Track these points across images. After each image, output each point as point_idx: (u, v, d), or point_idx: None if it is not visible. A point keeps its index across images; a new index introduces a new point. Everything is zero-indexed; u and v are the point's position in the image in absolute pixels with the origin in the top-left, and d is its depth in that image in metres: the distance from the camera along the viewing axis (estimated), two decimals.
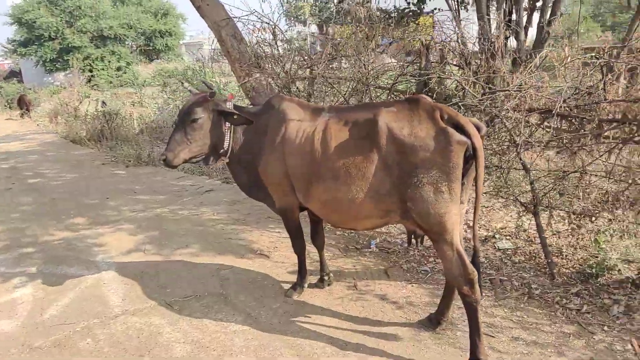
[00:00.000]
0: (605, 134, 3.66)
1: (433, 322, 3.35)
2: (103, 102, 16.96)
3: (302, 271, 3.99)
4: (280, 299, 3.94)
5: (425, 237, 3.22)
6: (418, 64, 4.68)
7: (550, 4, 6.32)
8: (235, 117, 3.67)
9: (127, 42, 30.86)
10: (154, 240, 5.40)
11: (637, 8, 5.98)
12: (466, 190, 2.98)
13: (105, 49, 28.65)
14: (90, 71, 27.79)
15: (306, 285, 4.01)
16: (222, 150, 3.88)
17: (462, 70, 4.50)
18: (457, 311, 3.49)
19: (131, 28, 30.09)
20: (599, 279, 3.73)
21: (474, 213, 2.90)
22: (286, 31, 6.99)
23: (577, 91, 3.72)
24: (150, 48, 32.81)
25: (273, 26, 6.28)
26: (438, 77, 4.41)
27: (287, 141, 3.48)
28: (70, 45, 27.58)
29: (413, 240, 3.31)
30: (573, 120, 3.79)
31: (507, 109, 3.96)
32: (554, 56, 3.84)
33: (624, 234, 3.81)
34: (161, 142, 11.78)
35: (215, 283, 4.28)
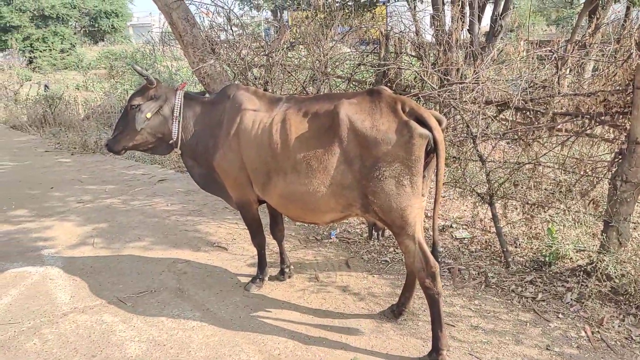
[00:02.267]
0: (559, 127, 3.76)
1: (395, 313, 3.37)
2: (45, 86, 16.08)
3: (261, 264, 3.91)
4: (239, 293, 3.84)
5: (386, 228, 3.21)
6: (377, 54, 4.65)
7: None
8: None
9: (70, 23, 29.30)
10: (103, 233, 5.15)
11: (584, 4, 6.21)
12: (427, 183, 2.98)
13: (47, 30, 27.11)
14: (32, 52, 26.24)
15: (266, 278, 3.94)
16: (171, 141, 3.74)
17: (421, 61, 4.50)
18: (417, 302, 3.52)
19: (75, 8, 28.58)
20: (552, 267, 3.86)
21: (434, 205, 2.90)
22: (241, 16, 6.76)
23: (532, 84, 3.80)
24: (96, 29, 31.35)
25: (228, 10, 6.08)
26: (397, 68, 4.39)
27: (242, 133, 3.36)
28: (8, 25, 25.92)
29: (374, 232, 3.29)
30: (528, 114, 3.87)
31: (465, 101, 4.01)
32: (510, 50, 3.90)
33: (575, 224, 3.95)
34: (109, 129, 11.26)
35: (171, 277, 4.13)
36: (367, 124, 2.83)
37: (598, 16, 5.61)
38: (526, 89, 3.81)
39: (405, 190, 2.78)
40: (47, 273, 4.27)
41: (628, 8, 8.28)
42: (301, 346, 3.12)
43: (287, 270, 4.01)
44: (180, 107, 3.72)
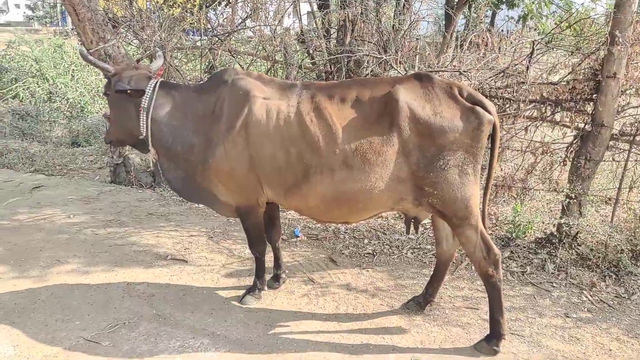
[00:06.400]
0: (526, 113, 4.08)
1: (421, 304, 3.27)
2: None
3: (259, 273, 3.43)
4: (237, 309, 3.32)
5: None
6: (339, 40, 4.46)
7: None
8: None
9: None
10: (1, 260, 3.96)
11: None
12: None
13: None
14: None
15: (265, 288, 3.47)
16: (141, 137, 3.10)
17: (385, 49, 4.45)
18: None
19: None
20: (517, 242, 4.19)
21: (485, 194, 2.89)
22: None
23: (503, 73, 4.05)
24: None
25: None
26: (366, 55, 4.27)
27: (253, 126, 2.89)
28: None
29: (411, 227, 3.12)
30: (497, 101, 4.12)
31: None
32: (483, 39, 4.09)
33: (533, 199, 4.36)
34: None
35: (138, 304, 3.37)
36: (428, 111, 2.66)
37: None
38: (496, 76, 4.05)
39: (469, 179, 2.70)
40: None
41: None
42: (351, 357, 2.83)
43: (283, 275, 3.60)
44: (149, 97, 3.05)
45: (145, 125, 3.07)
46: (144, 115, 3.06)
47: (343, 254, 4.17)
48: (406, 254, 4.13)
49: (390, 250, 4.20)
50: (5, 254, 4.06)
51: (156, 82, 3.12)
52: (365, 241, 4.37)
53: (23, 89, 10.02)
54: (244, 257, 4.07)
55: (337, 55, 4.42)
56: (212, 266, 3.93)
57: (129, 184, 6.00)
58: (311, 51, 4.65)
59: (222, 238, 4.47)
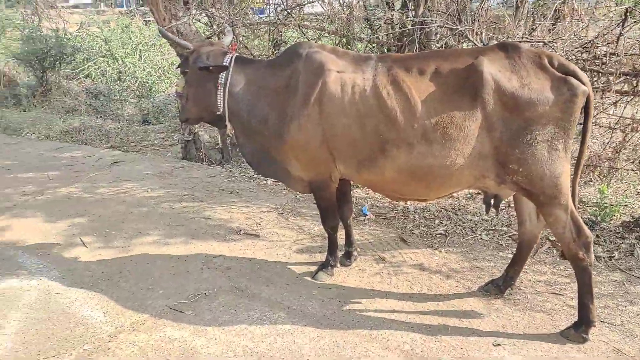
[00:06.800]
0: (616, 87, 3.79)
1: (501, 287, 3.15)
2: None
3: (332, 249, 3.44)
4: (311, 284, 3.35)
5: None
6: (409, 12, 4.30)
7: None
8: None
9: None
10: (89, 230, 4.20)
11: None
12: None
13: None
14: None
15: (338, 264, 3.48)
16: (218, 113, 3.13)
17: (460, 19, 4.25)
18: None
19: None
20: (602, 225, 3.94)
21: (576, 171, 2.72)
22: None
23: (591, 43, 3.77)
24: None
25: None
26: (440, 27, 4.09)
27: (328, 100, 2.85)
28: None
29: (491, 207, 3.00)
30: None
31: None
32: (568, 7, 3.82)
33: (621, 180, 4.08)
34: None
35: (217, 275, 3.47)
36: (515, 82, 2.52)
37: None
38: (582, 46, 3.77)
39: (559, 155, 2.55)
40: (46, 286, 3.33)
41: None
42: (429, 338, 2.78)
43: (354, 253, 3.59)
44: (227, 73, 3.07)
45: (222, 101, 3.11)
46: (222, 90, 3.10)
47: (413, 233, 4.10)
48: (480, 235, 4.00)
49: (463, 231, 4.08)
50: (91, 225, 4.31)
51: (232, 57, 3.14)
52: (437, 221, 4.27)
53: (94, 69, 10.51)
54: (314, 234, 4.10)
55: (409, 28, 4.27)
56: (284, 242, 3.98)
57: (199, 161, 6.18)
58: (382, 24, 4.52)
59: (292, 215, 4.52)
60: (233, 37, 3.66)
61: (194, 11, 5.33)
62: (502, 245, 3.84)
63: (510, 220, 4.17)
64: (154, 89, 9.83)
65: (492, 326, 2.87)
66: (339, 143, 2.89)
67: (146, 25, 13.16)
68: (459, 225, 4.17)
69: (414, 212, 4.46)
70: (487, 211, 2.99)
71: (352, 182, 3.42)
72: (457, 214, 4.36)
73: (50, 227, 4.25)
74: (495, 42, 3.11)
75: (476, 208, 4.45)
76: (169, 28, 5.15)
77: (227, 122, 3.20)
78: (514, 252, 3.17)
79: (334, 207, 3.29)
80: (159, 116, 8.81)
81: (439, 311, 3.03)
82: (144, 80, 9.85)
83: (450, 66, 2.67)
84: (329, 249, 3.44)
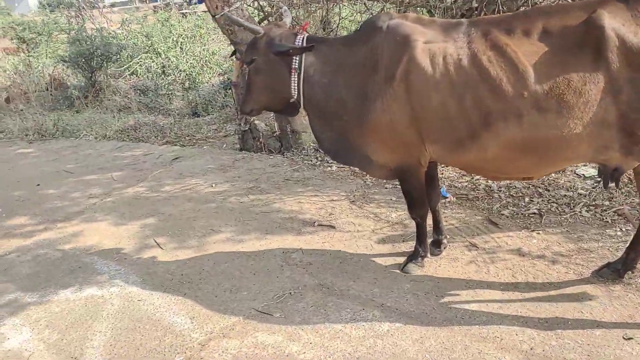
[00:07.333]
0: None
1: (620, 272, 2.80)
2: None
3: (421, 239, 3.18)
4: (402, 278, 3.11)
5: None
6: None
7: None
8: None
9: None
10: (160, 231, 4.11)
11: None
12: None
13: None
14: None
15: (428, 254, 3.22)
16: (292, 100, 2.89)
17: None
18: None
19: None
20: None
21: None
22: None
23: None
24: None
25: None
26: None
27: (417, 74, 2.55)
28: None
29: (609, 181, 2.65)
30: None
31: None
32: None
33: None
34: (42, 109, 9.59)
35: (299, 272, 3.29)
36: None
37: None
38: None
39: None
40: (127, 293, 3.25)
41: None
42: (549, 334, 2.49)
43: (444, 240, 3.32)
44: (301, 55, 2.82)
45: (297, 86, 2.89)
46: (296, 75, 2.87)
47: (503, 214, 3.77)
48: (580, 212, 3.62)
49: (559, 208, 3.71)
50: (162, 225, 4.22)
51: (303, 38, 2.89)
52: (527, 199, 3.91)
53: (139, 65, 10.54)
54: (393, 222, 3.85)
55: None
56: (362, 232, 3.75)
57: (257, 150, 6.01)
58: None
59: (365, 202, 4.27)
60: (291, 18, 3.41)
61: None
62: (607, 222, 3.46)
63: (612, 194, 3.76)
64: (197, 80, 9.77)
65: (618, 317, 2.55)
66: (431, 122, 2.60)
67: (184, 17, 13.13)
68: (553, 203, 3.80)
69: (498, 190, 4.12)
70: (606, 186, 2.63)
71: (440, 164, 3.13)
72: (549, 190, 3.98)
73: (123, 230, 4.20)
74: None
75: (569, 182, 4.06)
76: (222, 15, 4.97)
77: (301, 109, 2.97)
78: (636, 231, 2.80)
79: (423, 194, 3.02)
80: (207, 107, 8.73)
81: (552, 302, 2.72)
82: (188, 72, 9.80)
83: (561, 23, 2.32)
84: (418, 238, 3.18)
